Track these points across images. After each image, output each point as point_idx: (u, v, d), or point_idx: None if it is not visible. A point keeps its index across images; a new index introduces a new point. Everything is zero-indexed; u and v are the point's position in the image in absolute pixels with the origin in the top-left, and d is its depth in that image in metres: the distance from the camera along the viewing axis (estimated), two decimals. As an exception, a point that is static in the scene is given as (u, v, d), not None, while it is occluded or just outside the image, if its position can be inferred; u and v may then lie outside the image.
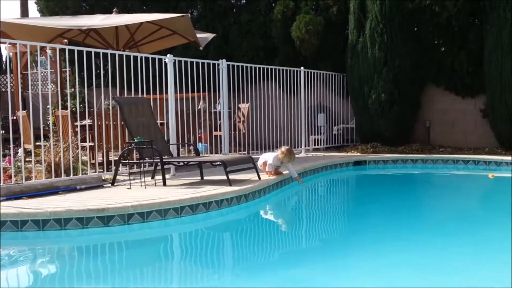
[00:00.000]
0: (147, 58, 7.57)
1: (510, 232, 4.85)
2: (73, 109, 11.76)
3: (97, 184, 6.64)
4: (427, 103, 11.73)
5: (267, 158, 7.22)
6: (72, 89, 14.36)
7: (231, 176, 6.37)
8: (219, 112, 10.38)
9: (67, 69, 8.17)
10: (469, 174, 9.49)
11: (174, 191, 5.97)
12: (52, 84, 15.12)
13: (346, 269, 4.02)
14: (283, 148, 7.24)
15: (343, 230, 5.70)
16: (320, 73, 11.50)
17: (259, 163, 7.17)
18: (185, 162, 6.90)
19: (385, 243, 4.77)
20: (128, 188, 6.32)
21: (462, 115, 11.47)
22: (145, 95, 7.74)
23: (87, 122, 8.32)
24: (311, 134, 11.57)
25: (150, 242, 4.99)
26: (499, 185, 8.37)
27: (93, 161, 7.81)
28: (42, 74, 15.00)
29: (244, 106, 10.61)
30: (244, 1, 14.09)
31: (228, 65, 9.04)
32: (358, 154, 10.84)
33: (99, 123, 7.90)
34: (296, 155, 10.50)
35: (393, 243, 4.74)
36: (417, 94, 11.56)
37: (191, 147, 8.73)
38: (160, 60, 7.74)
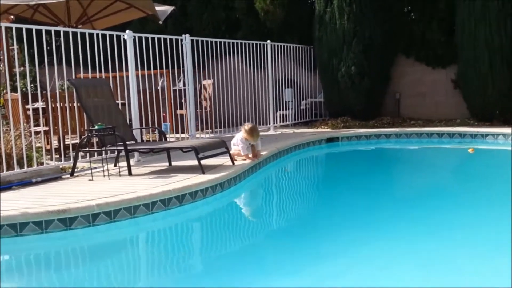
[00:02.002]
0: (104, 35, 6.88)
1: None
2: (24, 89, 10.95)
3: (55, 176, 6.02)
4: (397, 75, 11.39)
5: (237, 143, 6.65)
6: (22, 68, 13.43)
7: (202, 162, 5.83)
8: (181, 90, 9.79)
9: (15, 46, 7.37)
10: (445, 147, 9.23)
11: (141, 182, 5.41)
12: (-1, 63, 14.11)
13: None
14: (246, 127, 6.50)
15: (327, 214, 5.23)
16: (286, 46, 10.97)
17: (232, 151, 6.59)
18: (152, 149, 6.33)
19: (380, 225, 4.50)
20: (90, 180, 5.73)
21: (433, 86, 11.17)
22: (103, 74, 7.07)
23: (40, 104, 7.65)
24: (278, 110, 11.10)
25: (120, 245, 4.41)
26: (480, 159, 8.15)
27: (48, 147, 7.15)
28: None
29: (208, 83, 10.02)
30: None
31: (192, 40, 8.42)
32: (329, 129, 10.45)
33: (53, 105, 7.23)
34: (265, 133, 10.08)
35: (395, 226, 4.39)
36: (387, 66, 11.20)
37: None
38: (118, 36, 7.06)
